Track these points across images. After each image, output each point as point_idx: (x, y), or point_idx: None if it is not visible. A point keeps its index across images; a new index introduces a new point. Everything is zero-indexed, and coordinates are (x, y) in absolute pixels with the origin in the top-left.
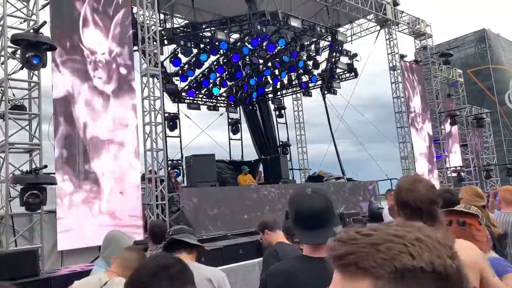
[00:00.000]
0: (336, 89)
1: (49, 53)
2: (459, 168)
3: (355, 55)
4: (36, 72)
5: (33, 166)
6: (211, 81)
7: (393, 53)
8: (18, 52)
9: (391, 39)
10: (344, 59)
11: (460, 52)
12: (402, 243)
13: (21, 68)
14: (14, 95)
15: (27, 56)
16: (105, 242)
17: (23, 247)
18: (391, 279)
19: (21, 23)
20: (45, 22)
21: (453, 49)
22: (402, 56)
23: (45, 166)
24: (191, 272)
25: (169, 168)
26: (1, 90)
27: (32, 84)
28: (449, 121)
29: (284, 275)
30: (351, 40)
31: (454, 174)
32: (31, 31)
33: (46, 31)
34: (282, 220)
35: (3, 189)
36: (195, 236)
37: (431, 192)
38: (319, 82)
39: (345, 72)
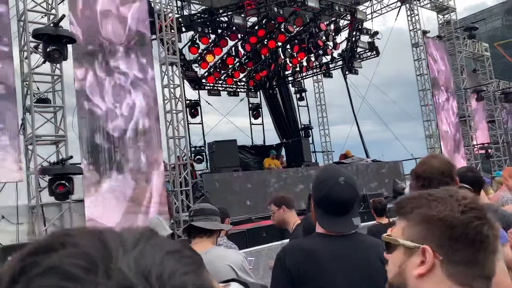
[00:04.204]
0: (357, 68)
1: (69, 46)
2: (487, 145)
3: (376, 33)
4: (58, 65)
5: (60, 157)
6: (230, 66)
7: (415, 30)
8: (40, 46)
9: (412, 15)
10: (365, 38)
11: (486, 25)
12: (428, 198)
13: (44, 62)
14: (38, 88)
15: (48, 50)
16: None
17: None
18: (416, 221)
19: (42, 17)
20: (64, 16)
21: (478, 22)
22: (424, 32)
23: (71, 157)
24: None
25: (191, 155)
26: (26, 84)
27: (55, 77)
28: (475, 97)
29: (303, 252)
30: (371, 18)
31: (482, 152)
32: (51, 25)
33: (65, 25)
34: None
35: (33, 180)
36: (217, 214)
37: (443, 165)
38: (339, 63)
39: (366, 51)
